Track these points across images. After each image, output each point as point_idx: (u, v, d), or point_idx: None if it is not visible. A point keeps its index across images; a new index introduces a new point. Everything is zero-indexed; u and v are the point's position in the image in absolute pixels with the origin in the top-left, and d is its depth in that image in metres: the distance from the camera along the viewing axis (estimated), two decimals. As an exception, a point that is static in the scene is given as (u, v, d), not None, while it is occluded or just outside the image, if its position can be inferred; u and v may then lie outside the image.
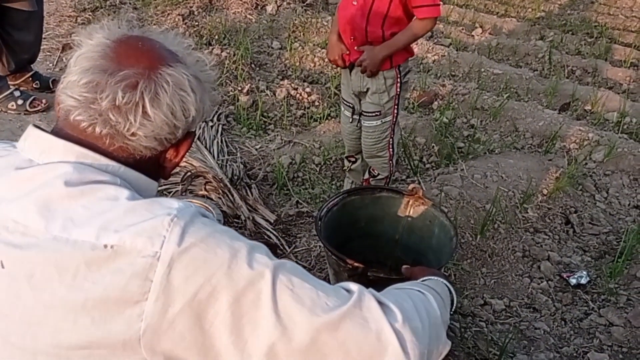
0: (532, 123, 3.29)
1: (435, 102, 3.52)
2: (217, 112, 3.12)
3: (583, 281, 2.18)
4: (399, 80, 2.10)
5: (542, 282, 2.21)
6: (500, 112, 3.37)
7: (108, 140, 0.82)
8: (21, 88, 3.10)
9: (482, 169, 2.67)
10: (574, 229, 2.53)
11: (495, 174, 2.64)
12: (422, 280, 1.04)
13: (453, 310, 1.05)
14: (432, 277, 1.05)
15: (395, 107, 2.15)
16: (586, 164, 3.00)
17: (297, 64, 3.98)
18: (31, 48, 3.07)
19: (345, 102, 2.27)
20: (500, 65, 4.17)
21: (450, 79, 3.91)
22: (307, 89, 3.50)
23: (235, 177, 2.47)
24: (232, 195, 2.31)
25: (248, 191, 2.43)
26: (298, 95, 3.45)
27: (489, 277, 2.23)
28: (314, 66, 3.99)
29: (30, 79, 3.16)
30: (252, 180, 2.55)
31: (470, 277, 2.21)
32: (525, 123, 3.31)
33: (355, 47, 2.05)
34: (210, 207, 2.16)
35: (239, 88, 3.44)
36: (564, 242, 2.45)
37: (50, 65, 3.61)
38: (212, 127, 2.91)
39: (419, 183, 2.58)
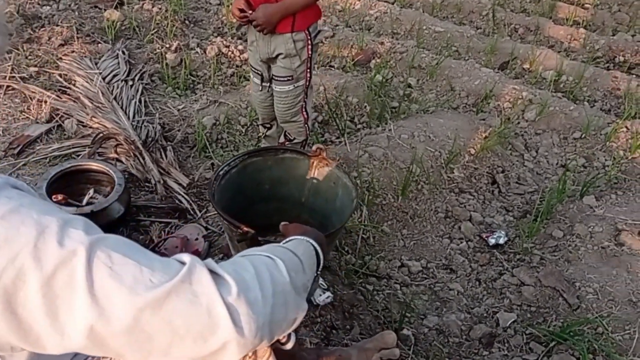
0: (468, 82, 3.24)
1: (373, 61, 3.42)
2: (140, 70, 2.95)
3: (501, 241, 2.17)
4: (309, 42, 1.98)
5: (461, 242, 2.19)
6: (437, 71, 3.30)
7: None
8: None
9: (410, 129, 2.61)
10: (499, 188, 2.51)
11: (423, 134, 2.58)
12: (287, 241, 0.98)
13: (320, 270, 0.99)
14: (298, 237, 1.00)
15: (308, 70, 2.04)
16: (519, 123, 2.97)
17: (234, 20, 3.80)
18: None
19: (253, 69, 2.14)
20: (443, 23, 4.07)
21: (391, 37, 3.80)
22: (240, 47, 3.34)
23: (150, 139, 2.34)
24: (143, 158, 2.19)
25: (162, 154, 2.30)
26: (230, 53, 3.30)
27: (408, 238, 2.19)
28: (251, 23, 3.82)
29: None
30: (168, 143, 2.42)
31: (390, 239, 2.17)
32: (461, 82, 3.25)
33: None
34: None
35: (167, 45, 3.26)
36: (488, 202, 2.43)
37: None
38: (131, 86, 2.75)
39: (345, 144, 2.51)
